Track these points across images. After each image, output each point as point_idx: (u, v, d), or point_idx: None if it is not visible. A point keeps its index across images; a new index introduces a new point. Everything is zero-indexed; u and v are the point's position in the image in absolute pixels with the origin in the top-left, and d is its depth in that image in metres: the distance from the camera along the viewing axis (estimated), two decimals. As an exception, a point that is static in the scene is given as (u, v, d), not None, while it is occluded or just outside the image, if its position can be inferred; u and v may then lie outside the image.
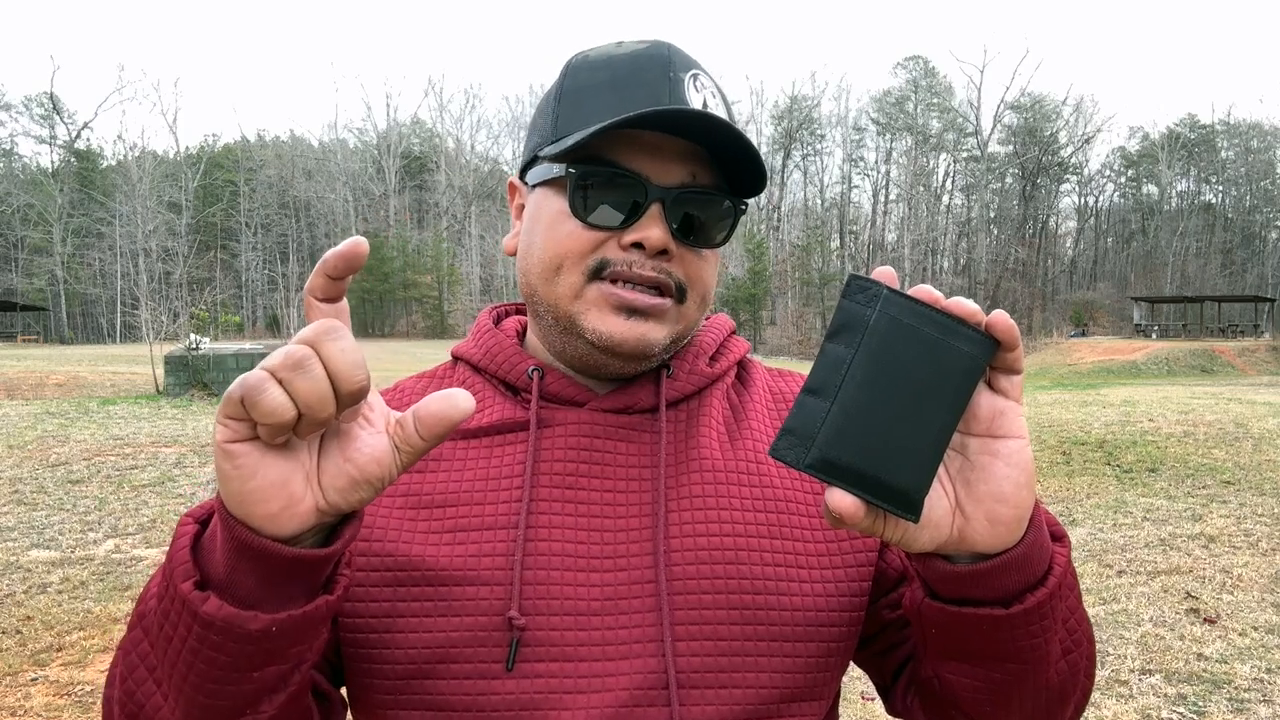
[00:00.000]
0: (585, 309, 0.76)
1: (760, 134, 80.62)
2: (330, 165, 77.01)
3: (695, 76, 0.78)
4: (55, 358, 25.25)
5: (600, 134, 0.72)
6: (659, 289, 0.76)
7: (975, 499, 0.57)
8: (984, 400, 0.57)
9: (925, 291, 0.54)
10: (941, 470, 0.58)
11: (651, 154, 0.75)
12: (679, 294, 0.77)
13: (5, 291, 61.03)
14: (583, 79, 0.79)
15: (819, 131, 79.33)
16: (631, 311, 0.76)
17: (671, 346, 0.80)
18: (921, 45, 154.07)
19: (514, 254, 0.84)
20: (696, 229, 0.77)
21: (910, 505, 0.53)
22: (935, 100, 75.75)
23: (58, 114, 69.68)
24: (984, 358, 0.54)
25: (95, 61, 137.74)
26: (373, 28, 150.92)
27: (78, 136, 71.25)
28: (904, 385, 0.53)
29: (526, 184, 0.83)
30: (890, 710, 0.84)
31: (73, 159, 69.46)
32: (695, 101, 0.76)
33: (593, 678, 0.72)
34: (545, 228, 0.78)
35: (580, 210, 0.75)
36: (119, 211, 63.70)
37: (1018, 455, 0.57)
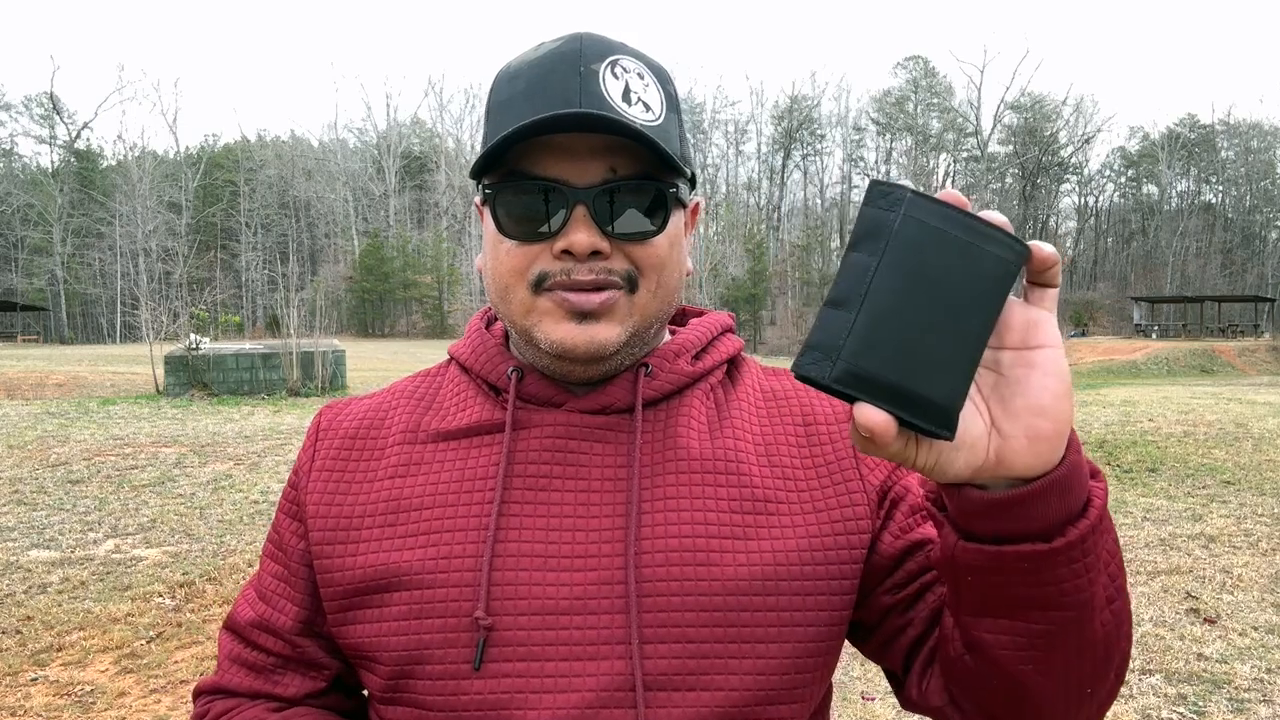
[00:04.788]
0: (538, 321, 0.76)
1: (760, 134, 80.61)
2: (330, 165, 77.03)
3: (614, 63, 0.75)
4: (55, 358, 25.25)
5: (504, 149, 0.72)
6: (601, 287, 0.75)
7: (1012, 415, 0.53)
8: (1017, 311, 0.54)
9: (952, 195, 0.51)
10: (973, 390, 0.54)
11: (566, 156, 0.73)
12: (629, 285, 0.76)
13: (5, 291, 61.02)
14: (503, 93, 0.77)
15: (819, 131, 79.39)
16: (582, 316, 0.75)
17: (634, 340, 0.78)
18: (921, 45, 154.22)
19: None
20: (629, 221, 0.75)
21: (945, 420, 0.50)
22: (935, 100, 75.78)
23: (58, 114, 69.71)
24: (1017, 263, 0.51)
25: (95, 61, 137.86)
26: (373, 28, 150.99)
27: (78, 136, 71.27)
28: (934, 291, 0.49)
29: None
30: (906, 701, 0.81)
31: (73, 159, 69.45)
32: (615, 90, 0.74)
33: (559, 678, 0.72)
34: (490, 248, 0.78)
35: (507, 228, 0.75)
36: (119, 211, 63.68)
37: (1055, 363, 0.53)
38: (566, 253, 0.73)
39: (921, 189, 0.50)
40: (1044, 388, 0.53)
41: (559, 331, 0.75)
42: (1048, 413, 0.53)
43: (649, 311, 0.78)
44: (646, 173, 0.75)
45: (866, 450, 0.50)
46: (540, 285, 0.75)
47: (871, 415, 0.48)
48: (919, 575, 0.78)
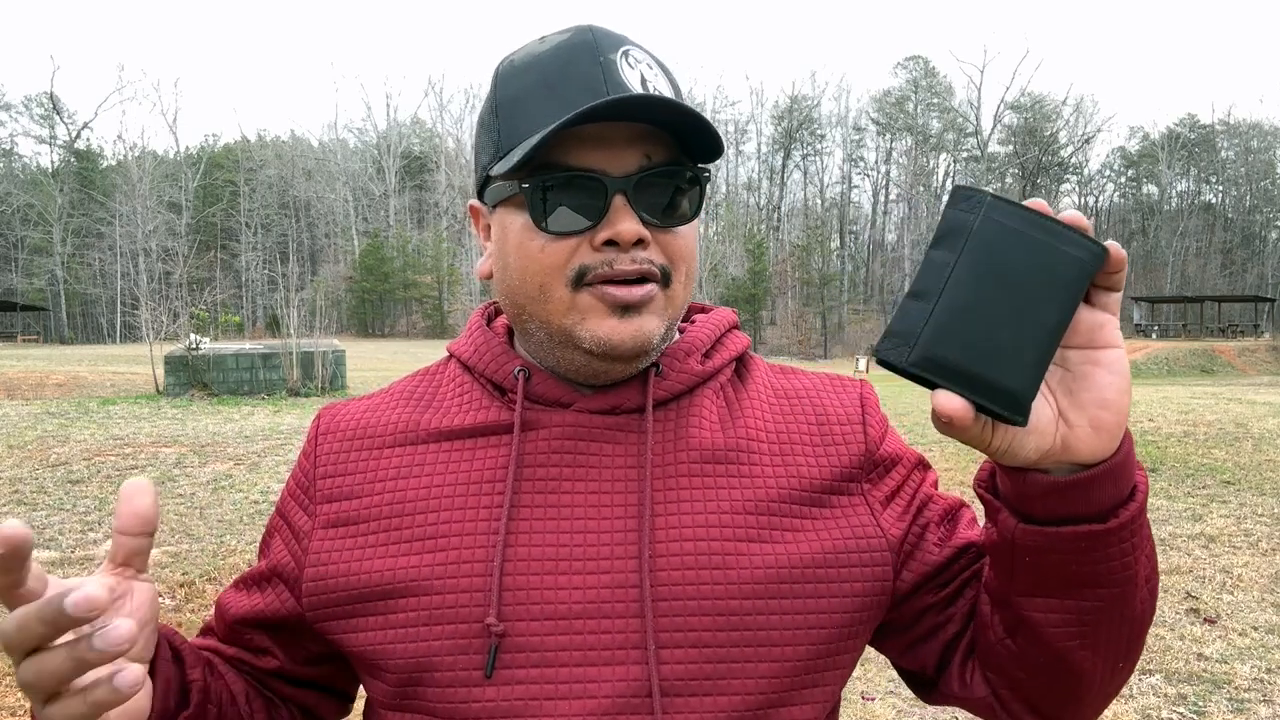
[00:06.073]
0: (580, 319, 0.74)
1: (760, 134, 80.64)
2: (330, 165, 77.04)
3: (626, 53, 0.74)
4: (55, 358, 25.24)
5: (545, 143, 0.69)
6: (644, 279, 0.74)
7: (1079, 406, 0.59)
8: (1083, 314, 0.58)
9: (1035, 202, 0.55)
10: (1041, 384, 0.57)
11: (601, 146, 0.72)
12: (664, 279, 0.75)
13: (5, 291, 61.03)
14: (514, 87, 0.75)
15: (819, 131, 79.35)
16: (625, 309, 0.73)
17: (668, 334, 0.78)
18: (921, 45, 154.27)
19: (488, 278, 0.82)
20: (665, 209, 0.74)
21: (1018, 406, 0.53)
22: (935, 100, 75.80)
23: (58, 114, 69.73)
24: (1092, 264, 0.54)
25: (95, 61, 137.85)
26: (373, 28, 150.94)
27: (78, 136, 71.30)
28: (1010, 287, 0.52)
29: (486, 205, 0.80)
30: (941, 696, 0.82)
31: (73, 159, 69.48)
32: (632, 79, 0.73)
33: (574, 684, 0.70)
34: (515, 248, 0.75)
35: (545, 223, 0.73)
36: (119, 211, 63.66)
37: (1119, 363, 0.59)
38: (609, 243, 0.72)
39: (1004, 195, 0.53)
40: (1109, 384, 0.59)
41: (604, 328, 0.73)
42: (1111, 406, 0.59)
43: (679, 303, 0.78)
44: (678, 159, 0.74)
45: (946, 433, 0.55)
46: (581, 280, 0.73)
47: (949, 401, 0.52)
48: (960, 574, 0.80)
